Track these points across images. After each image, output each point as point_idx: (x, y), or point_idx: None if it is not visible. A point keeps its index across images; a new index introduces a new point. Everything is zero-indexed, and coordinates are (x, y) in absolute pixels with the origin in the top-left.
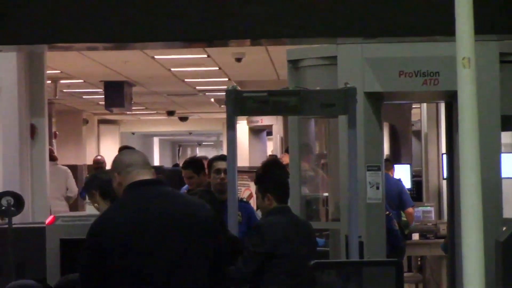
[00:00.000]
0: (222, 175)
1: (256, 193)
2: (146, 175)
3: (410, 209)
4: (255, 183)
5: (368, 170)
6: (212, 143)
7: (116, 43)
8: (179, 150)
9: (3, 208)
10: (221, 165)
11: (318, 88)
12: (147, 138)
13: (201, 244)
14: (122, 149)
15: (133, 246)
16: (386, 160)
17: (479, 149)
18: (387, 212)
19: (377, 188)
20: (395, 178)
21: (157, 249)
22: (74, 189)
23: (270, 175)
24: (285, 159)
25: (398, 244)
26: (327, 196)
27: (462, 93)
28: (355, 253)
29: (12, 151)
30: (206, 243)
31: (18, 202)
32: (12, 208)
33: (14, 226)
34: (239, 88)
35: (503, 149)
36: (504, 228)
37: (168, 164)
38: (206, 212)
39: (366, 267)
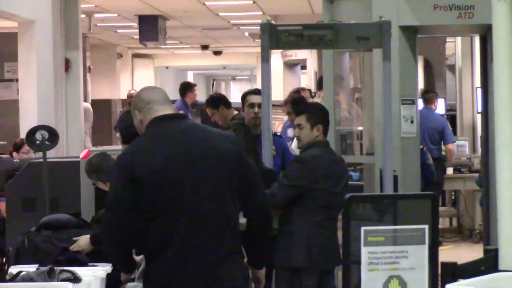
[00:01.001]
0: (256, 109)
1: (302, 122)
2: (167, 110)
3: (450, 145)
4: (300, 113)
5: (403, 104)
6: (246, 77)
7: None
8: (213, 84)
9: (38, 142)
10: (255, 99)
11: (353, 21)
12: (181, 72)
13: (226, 174)
14: (182, 86)
15: (163, 177)
16: (430, 92)
17: None
18: (421, 146)
19: (412, 122)
20: (439, 113)
21: (186, 180)
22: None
23: (320, 107)
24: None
25: (432, 178)
26: (361, 130)
27: (497, 26)
28: (389, 187)
29: (47, 85)
30: (231, 173)
31: (53, 136)
32: (47, 142)
33: (48, 160)
34: (273, 22)
35: None
36: None
37: (202, 98)
38: (230, 143)
39: (402, 200)
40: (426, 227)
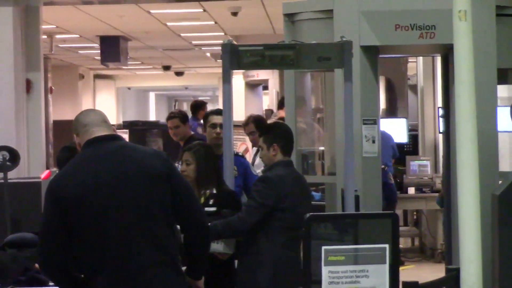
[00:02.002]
0: (218, 129)
1: (260, 144)
2: (102, 132)
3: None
4: (261, 134)
5: (364, 124)
6: (209, 98)
7: None
8: (175, 105)
9: None
10: (217, 119)
11: (314, 42)
12: (143, 93)
13: (156, 191)
14: (194, 105)
15: (88, 200)
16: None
17: (475, 102)
18: (383, 166)
19: (373, 141)
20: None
21: (111, 202)
22: None
23: (277, 125)
24: (281, 114)
25: (393, 198)
26: (323, 150)
27: (458, 46)
28: (351, 207)
29: (8, 106)
30: (161, 190)
31: (14, 156)
32: (8, 163)
33: (9, 181)
34: (235, 42)
35: (499, 102)
36: (500, 182)
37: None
38: (159, 161)
39: (362, 219)
40: (387, 246)
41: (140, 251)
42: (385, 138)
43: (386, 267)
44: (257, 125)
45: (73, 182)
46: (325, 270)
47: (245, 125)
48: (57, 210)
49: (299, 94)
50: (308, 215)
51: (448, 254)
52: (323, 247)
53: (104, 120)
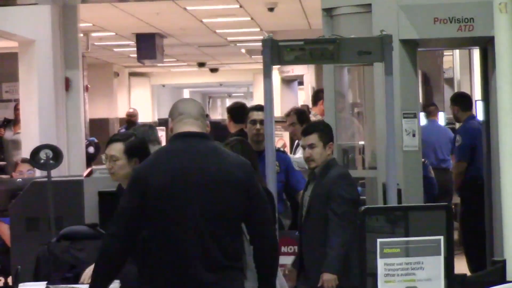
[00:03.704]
0: (258, 125)
1: (315, 142)
2: (194, 127)
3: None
4: (309, 132)
5: (404, 118)
6: (242, 94)
7: None
8: (209, 101)
9: (42, 161)
10: (257, 115)
11: (353, 36)
12: (178, 90)
13: (233, 203)
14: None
15: (171, 196)
16: (431, 105)
17: None
18: (423, 160)
19: (413, 135)
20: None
21: (193, 203)
22: None
23: (327, 124)
24: (315, 110)
25: (434, 192)
26: (363, 145)
27: (499, 37)
28: (393, 201)
29: (48, 104)
30: (238, 202)
31: (56, 155)
32: (51, 161)
33: (52, 179)
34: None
35: None
36: None
37: None
38: (242, 172)
39: (417, 211)
40: (441, 238)
41: (209, 252)
42: (443, 132)
43: (441, 259)
44: (299, 117)
45: (161, 172)
46: (380, 263)
47: (287, 115)
48: (138, 197)
49: (337, 89)
50: (363, 208)
51: (490, 245)
52: (379, 240)
53: (201, 114)
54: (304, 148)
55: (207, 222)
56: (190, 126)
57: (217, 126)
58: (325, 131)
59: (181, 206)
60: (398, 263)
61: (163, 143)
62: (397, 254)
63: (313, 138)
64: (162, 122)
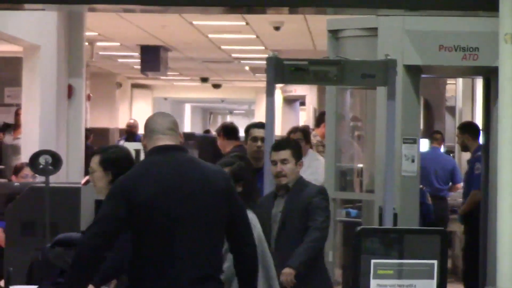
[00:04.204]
0: (259, 142)
1: (288, 158)
2: (168, 141)
3: (459, 185)
4: (285, 148)
5: (404, 143)
6: (244, 111)
7: (155, 5)
8: (210, 117)
9: (41, 166)
10: (258, 132)
11: (358, 59)
12: (179, 104)
13: (216, 210)
14: (321, 114)
15: (157, 208)
16: (439, 132)
17: None
18: (421, 186)
19: (413, 161)
20: (446, 154)
21: (178, 210)
22: None
23: (298, 143)
24: (318, 131)
25: (430, 218)
26: (361, 167)
27: (503, 68)
28: (389, 225)
29: (49, 110)
30: (220, 209)
31: (56, 160)
32: (50, 167)
33: (50, 185)
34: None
35: None
36: None
37: (198, 131)
38: (222, 180)
39: (411, 235)
40: (435, 262)
41: (194, 263)
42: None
43: (433, 283)
44: (305, 135)
45: (145, 185)
46: (373, 283)
47: (292, 132)
48: (123, 207)
49: (339, 111)
50: (358, 228)
51: (482, 275)
52: (373, 261)
53: (171, 128)
54: (275, 163)
55: (195, 232)
56: (162, 141)
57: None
58: (297, 149)
59: (169, 217)
60: (391, 285)
61: None
62: (390, 276)
63: (286, 153)
64: None
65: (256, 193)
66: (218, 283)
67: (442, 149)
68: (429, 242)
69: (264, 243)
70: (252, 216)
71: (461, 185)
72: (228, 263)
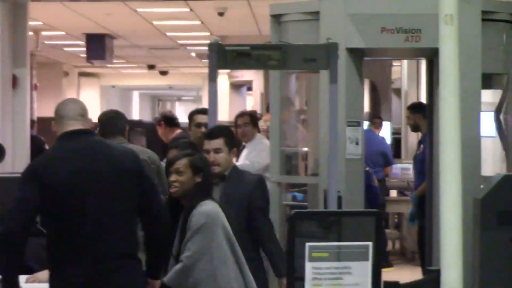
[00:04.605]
0: (203, 129)
1: (221, 147)
2: (77, 126)
3: (390, 168)
4: (218, 136)
5: (348, 126)
6: (192, 98)
7: None
8: (158, 104)
9: None
10: (201, 118)
11: (300, 43)
12: (127, 91)
13: (125, 188)
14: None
15: (69, 187)
16: (379, 118)
17: (459, 107)
18: (367, 169)
19: (357, 143)
20: (381, 136)
21: (89, 191)
22: None
23: (232, 130)
24: (267, 116)
25: (376, 201)
26: (306, 151)
27: (444, 50)
28: (333, 208)
29: None
30: (130, 188)
31: (0, 151)
32: None
33: None
34: (221, 42)
35: (483, 107)
36: (482, 186)
37: (147, 118)
38: (131, 160)
39: (346, 217)
40: (370, 244)
41: (109, 242)
42: (375, 143)
43: (369, 265)
44: (252, 119)
45: (55, 168)
46: (308, 266)
47: (239, 116)
48: (36, 191)
49: (284, 95)
50: (293, 211)
51: (422, 254)
52: (307, 244)
53: (80, 114)
54: (208, 152)
55: (106, 212)
56: (72, 126)
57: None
58: (230, 137)
59: (80, 199)
60: (326, 267)
61: None
62: (325, 258)
63: (219, 143)
64: None
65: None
66: (135, 261)
67: (388, 131)
68: (365, 224)
69: (232, 238)
70: (211, 207)
71: (392, 167)
72: (188, 253)
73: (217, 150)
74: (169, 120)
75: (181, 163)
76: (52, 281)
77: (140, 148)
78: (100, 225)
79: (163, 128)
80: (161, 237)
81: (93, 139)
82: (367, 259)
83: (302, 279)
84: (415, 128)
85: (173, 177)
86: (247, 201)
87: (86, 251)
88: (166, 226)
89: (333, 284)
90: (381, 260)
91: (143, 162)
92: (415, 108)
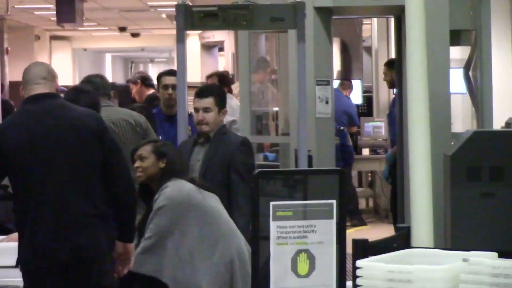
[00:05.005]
0: (170, 90)
1: (211, 106)
2: (40, 89)
3: (354, 128)
4: (208, 95)
5: (318, 85)
6: (165, 59)
7: None
8: (131, 66)
9: None
10: (169, 80)
11: (268, 3)
12: (99, 54)
13: (85, 148)
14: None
15: (24, 155)
16: (345, 79)
17: (427, 63)
18: (342, 128)
19: (327, 102)
20: (347, 97)
21: (44, 158)
22: None
23: (223, 90)
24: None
25: (351, 160)
26: (277, 111)
27: (410, 6)
28: (304, 167)
29: None
30: (91, 148)
31: None
32: None
33: None
34: (189, 3)
35: (452, 64)
36: (452, 143)
37: (120, 81)
38: (93, 120)
39: (310, 175)
40: (334, 202)
41: (71, 202)
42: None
43: (333, 223)
44: (221, 80)
45: (12, 134)
46: (273, 225)
47: (209, 77)
48: None
49: (260, 56)
50: (256, 171)
51: (394, 213)
52: (271, 203)
53: (43, 77)
54: (197, 111)
55: (65, 173)
56: (34, 90)
57: None
58: (221, 96)
59: (39, 162)
60: (291, 226)
61: None
62: (290, 217)
63: (209, 102)
64: None
65: (185, 165)
66: (99, 220)
67: (359, 89)
68: (329, 182)
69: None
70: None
71: (356, 128)
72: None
73: (206, 109)
74: (146, 80)
75: (144, 149)
76: (19, 242)
77: (126, 111)
78: (59, 185)
79: (138, 87)
80: (124, 197)
81: (55, 102)
82: (331, 217)
83: (267, 238)
84: (391, 85)
85: (137, 164)
86: (227, 163)
87: (47, 212)
88: (129, 186)
89: (298, 242)
90: (345, 218)
91: (108, 123)
92: (391, 64)
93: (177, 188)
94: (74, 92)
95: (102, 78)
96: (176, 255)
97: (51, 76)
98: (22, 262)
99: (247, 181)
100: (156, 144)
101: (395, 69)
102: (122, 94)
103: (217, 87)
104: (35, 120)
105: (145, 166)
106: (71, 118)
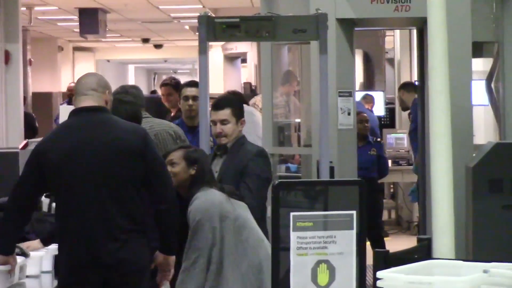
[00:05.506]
0: (190, 101)
1: (228, 118)
2: (87, 101)
3: None
4: (224, 107)
5: (340, 96)
6: (188, 70)
7: None
8: (154, 77)
9: None
10: (189, 91)
11: (290, 14)
12: (122, 65)
13: (126, 165)
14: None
15: (63, 170)
16: (369, 95)
17: (449, 75)
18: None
19: (349, 114)
20: (369, 111)
21: (83, 173)
22: None
23: (239, 99)
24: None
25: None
26: (299, 122)
27: (432, 18)
28: (326, 178)
29: None
30: (132, 165)
31: None
32: None
33: None
34: (211, 14)
35: (474, 76)
36: (474, 154)
37: (144, 92)
38: (136, 138)
39: (330, 187)
40: (354, 212)
41: (109, 217)
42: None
43: (353, 234)
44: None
45: (54, 149)
46: (293, 236)
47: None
48: (36, 171)
49: (278, 67)
50: (277, 181)
51: (422, 225)
52: (292, 213)
53: (93, 88)
54: (215, 123)
55: (107, 190)
56: (82, 103)
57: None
58: (237, 107)
59: (80, 178)
60: (311, 237)
61: None
62: (310, 228)
63: (226, 113)
64: None
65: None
66: (141, 235)
67: (382, 101)
68: (349, 193)
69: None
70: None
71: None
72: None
73: (223, 121)
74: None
75: (176, 155)
76: (59, 255)
77: (166, 123)
78: (98, 203)
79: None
80: (167, 215)
81: (99, 117)
82: (351, 228)
83: (287, 249)
84: (403, 107)
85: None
86: (240, 172)
87: (81, 226)
88: (172, 205)
89: (318, 253)
90: (365, 229)
91: (152, 139)
92: (405, 87)
93: (209, 200)
94: (113, 103)
95: (137, 89)
96: (220, 268)
97: (101, 88)
98: (60, 276)
99: (253, 191)
100: (188, 150)
101: (418, 80)
102: (147, 104)
103: (233, 98)
104: (74, 135)
105: (175, 171)
106: (113, 134)
